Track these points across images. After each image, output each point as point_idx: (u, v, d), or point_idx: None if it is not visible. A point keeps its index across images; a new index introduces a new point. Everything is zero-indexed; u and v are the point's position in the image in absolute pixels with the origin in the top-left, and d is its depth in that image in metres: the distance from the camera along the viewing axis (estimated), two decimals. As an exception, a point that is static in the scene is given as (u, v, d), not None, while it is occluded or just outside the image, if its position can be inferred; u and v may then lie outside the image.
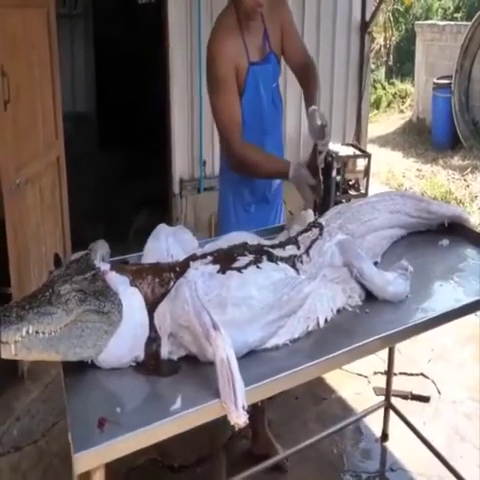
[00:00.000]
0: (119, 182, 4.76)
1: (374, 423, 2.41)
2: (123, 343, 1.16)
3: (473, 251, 1.71)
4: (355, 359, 1.30)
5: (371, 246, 1.55)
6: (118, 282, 1.20)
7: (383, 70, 9.54)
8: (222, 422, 1.09)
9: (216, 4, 3.47)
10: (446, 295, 1.49)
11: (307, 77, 1.89)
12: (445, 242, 1.74)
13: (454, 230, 1.79)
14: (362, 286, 1.41)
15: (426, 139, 7.06)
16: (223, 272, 1.25)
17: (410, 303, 1.42)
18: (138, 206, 4.06)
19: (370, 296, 1.42)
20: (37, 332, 1.06)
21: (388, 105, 8.93)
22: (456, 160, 6.19)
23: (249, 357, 1.20)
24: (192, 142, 3.62)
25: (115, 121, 5.37)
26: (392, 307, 1.41)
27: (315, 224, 1.49)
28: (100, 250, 1.40)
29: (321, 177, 1.66)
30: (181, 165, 3.64)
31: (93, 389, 1.13)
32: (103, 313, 1.14)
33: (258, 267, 1.28)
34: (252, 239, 1.43)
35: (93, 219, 3.91)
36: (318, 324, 1.32)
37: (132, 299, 1.19)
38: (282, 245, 1.42)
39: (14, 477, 2.15)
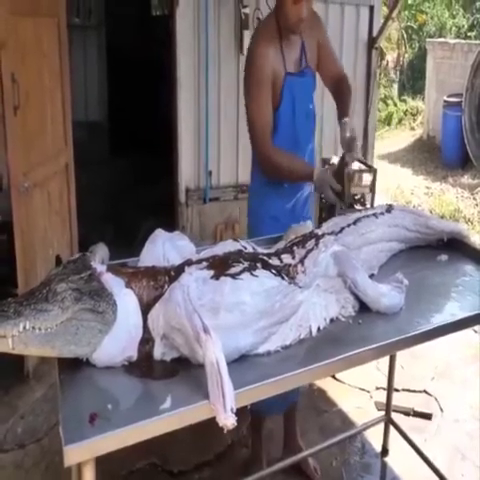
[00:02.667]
0: (128, 189, 4.84)
1: (375, 438, 2.40)
2: (117, 342, 1.19)
3: (471, 267, 1.71)
4: (346, 368, 1.31)
5: (367, 258, 1.56)
6: (113, 283, 1.22)
7: (396, 87, 9.58)
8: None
9: (223, 16, 3.56)
10: (441, 309, 1.49)
11: (340, 90, 1.96)
12: (444, 257, 1.75)
13: (453, 246, 1.80)
14: (356, 297, 1.42)
15: (436, 157, 7.06)
16: (217, 278, 1.26)
17: (404, 316, 1.43)
18: (146, 213, 4.11)
19: (364, 307, 1.43)
20: (34, 328, 1.09)
21: (399, 122, 8.95)
22: (466, 178, 6.18)
23: (240, 361, 1.22)
24: (198, 152, 3.66)
25: (126, 129, 5.47)
26: (385, 319, 1.41)
27: (311, 234, 1.51)
28: (100, 252, 1.44)
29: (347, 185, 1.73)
30: (187, 175, 3.68)
31: (86, 386, 1.16)
32: (98, 312, 1.16)
33: (252, 274, 1.29)
34: (248, 247, 1.45)
35: (101, 224, 3.97)
36: (310, 332, 1.33)
37: (127, 300, 1.22)
38: (277, 254, 1.44)
39: (17, 474, 2.19)
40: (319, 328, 1.34)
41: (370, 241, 1.58)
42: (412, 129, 8.69)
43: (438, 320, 1.42)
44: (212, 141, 3.65)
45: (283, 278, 1.34)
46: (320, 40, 1.99)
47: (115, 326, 1.18)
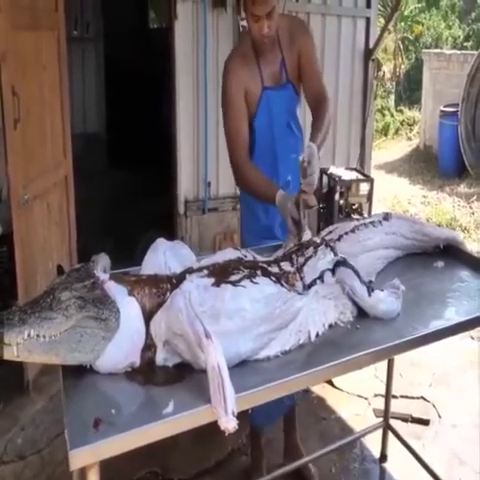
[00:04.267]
0: (127, 200, 4.86)
1: (374, 444, 2.41)
2: (120, 349, 1.21)
3: (467, 273, 1.75)
4: (344, 372, 1.33)
5: (365, 265, 1.58)
6: (116, 291, 1.25)
7: (392, 97, 9.67)
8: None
9: (222, 29, 3.62)
10: (438, 314, 1.52)
11: (317, 112, 1.89)
12: (440, 264, 1.78)
13: (449, 253, 1.83)
14: (354, 303, 1.45)
15: (433, 166, 7.12)
16: (218, 285, 1.28)
17: (401, 321, 1.45)
18: (145, 224, 4.13)
19: (362, 313, 1.45)
20: (38, 336, 1.11)
21: (396, 132, 9.03)
22: (462, 188, 6.22)
23: (241, 366, 1.24)
24: (197, 163, 3.71)
25: (124, 142, 5.51)
26: (383, 324, 1.44)
27: (310, 242, 1.54)
28: (102, 262, 1.44)
29: (303, 214, 1.64)
30: (186, 186, 3.72)
31: (90, 392, 1.18)
32: (101, 320, 1.18)
33: (252, 281, 1.31)
34: (248, 255, 1.47)
35: (100, 236, 3.98)
36: (309, 338, 1.35)
37: (129, 308, 1.24)
38: (277, 261, 1.47)
39: (17, 485, 2.19)
40: (318, 333, 1.37)
41: (368, 248, 1.61)
42: (409, 139, 8.77)
43: (434, 325, 1.44)
44: (211, 152, 3.69)
45: (282, 285, 1.36)
46: (302, 54, 1.93)
47: (118, 333, 1.20)
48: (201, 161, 3.68)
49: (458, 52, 7.66)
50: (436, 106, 7.19)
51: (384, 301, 1.44)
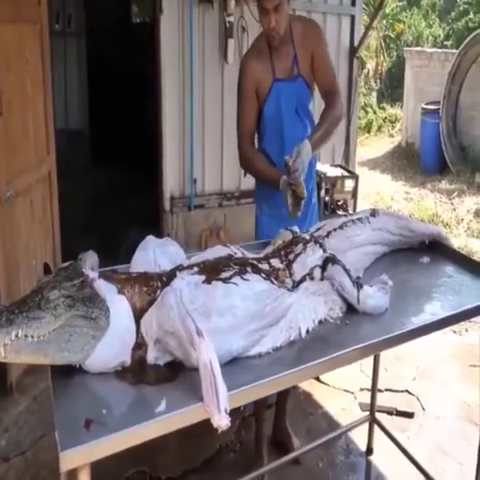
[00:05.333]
0: (111, 197, 4.81)
1: (360, 438, 2.44)
2: (110, 348, 1.20)
3: (452, 268, 1.78)
4: (334, 368, 1.34)
5: (353, 261, 1.59)
6: (106, 289, 1.23)
7: (375, 95, 9.74)
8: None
9: (207, 25, 3.60)
10: (424, 309, 1.54)
11: (324, 110, 2.06)
12: (426, 259, 1.81)
13: (435, 248, 1.86)
14: (343, 299, 1.46)
15: (415, 163, 7.20)
16: (209, 282, 1.28)
17: (389, 316, 1.47)
18: (130, 221, 4.10)
19: (351, 308, 1.47)
20: (26, 336, 1.09)
21: (379, 129, 9.10)
22: (443, 184, 6.31)
23: (233, 364, 1.24)
24: (183, 160, 3.68)
25: (108, 138, 5.45)
26: (372, 319, 1.45)
27: (299, 239, 1.55)
28: (89, 260, 1.44)
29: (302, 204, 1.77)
30: (172, 182, 3.70)
31: (80, 392, 1.16)
32: (91, 319, 1.17)
33: (243, 278, 1.32)
34: (238, 252, 1.48)
35: (85, 233, 3.94)
36: (300, 334, 1.36)
37: (119, 306, 1.23)
38: (267, 258, 1.47)
39: (1, 487, 2.16)
40: (308, 330, 1.37)
41: (356, 245, 1.63)
42: (391, 136, 8.84)
43: (421, 320, 1.47)
44: (197, 149, 3.68)
45: (272, 282, 1.37)
46: (315, 53, 2.08)
47: (108, 332, 1.19)
48: (187, 158, 3.66)
49: (439, 51, 7.74)
50: (418, 104, 7.28)
51: (373, 297, 1.46)
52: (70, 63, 5.68)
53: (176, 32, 3.52)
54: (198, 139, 3.68)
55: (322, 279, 1.45)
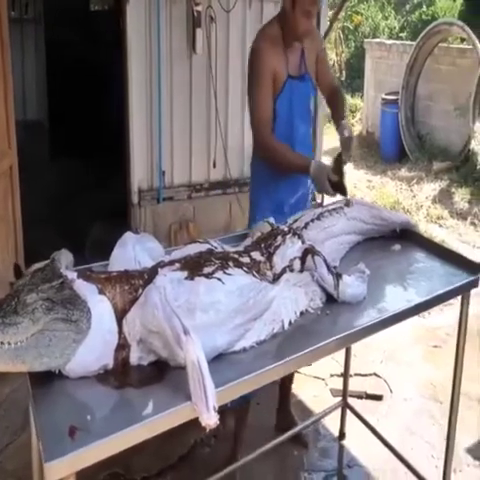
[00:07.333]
0: (74, 191, 4.68)
1: (332, 423, 2.49)
2: (91, 351, 1.16)
3: (422, 254, 1.84)
4: (317, 358, 1.37)
5: (330, 251, 1.63)
6: (86, 290, 1.19)
7: (336, 85, 9.85)
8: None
9: (175, 13, 3.54)
10: (399, 296, 1.60)
11: (335, 98, 2.20)
12: (397, 247, 1.86)
13: (405, 236, 1.92)
14: (323, 289, 1.49)
15: (375, 152, 7.34)
16: (192, 278, 1.27)
17: (367, 304, 1.52)
18: (95, 216, 4.01)
19: (331, 298, 1.50)
20: (2, 343, 1.04)
21: (339, 118, 9.21)
22: (403, 172, 6.47)
23: (218, 360, 1.23)
24: (151, 152, 3.62)
25: (69, 129, 5.29)
26: (350, 308, 1.49)
27: (278, 231, 1.57)
28: (64, 259, 1.37)
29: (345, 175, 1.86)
30: (140, 175, 3.63)
31: (62, 398, 1.12)
32: (71, 321, 1.13)
33: (225, 273, 1.31)
34: (217, 246, 1.48)
35: (47, 230, 3.81)
36: (283, 326, 1.37)
37: (101, 307, 1.19)
38: (247, 251, 1.48)
39: (-33, 497, 2.08)
40: (290, 321, 1.39)
41: (333, 235, 1.67)
42: (351, 126, 8.98)
43: (397, 306, 1.51)
44: (165, 140, 3.61)
45: (254, 275, 1.37)
46: (319, 55, 2.17)
47: (89, 334, 1.15)
48: (155, 149, 3.60)
49: (398, 42, 7.89)
50: (377, 94, 7.42)
51: (351, 286, 1.49)
52: (27, 51, 5.49)
53: (143, 21, 3.43)
54: (166, 130, 3.62)
55: (302, 271, 1.47)
